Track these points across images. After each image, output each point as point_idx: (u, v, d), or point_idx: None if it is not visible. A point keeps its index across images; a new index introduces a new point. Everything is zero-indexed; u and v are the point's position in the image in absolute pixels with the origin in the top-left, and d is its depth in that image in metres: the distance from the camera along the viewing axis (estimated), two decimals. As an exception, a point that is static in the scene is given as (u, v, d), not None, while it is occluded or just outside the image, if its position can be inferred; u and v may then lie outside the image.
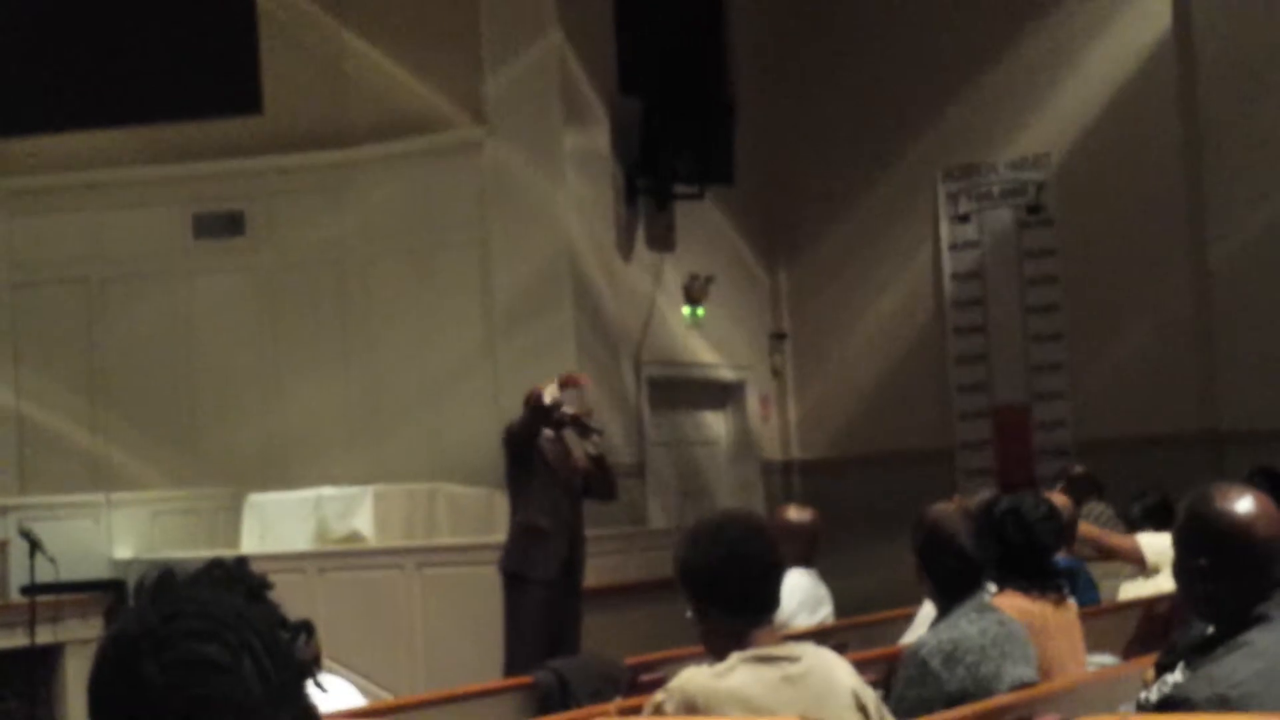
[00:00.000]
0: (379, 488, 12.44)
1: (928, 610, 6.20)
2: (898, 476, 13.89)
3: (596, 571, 10.32)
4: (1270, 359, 13.38)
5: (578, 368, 12.41)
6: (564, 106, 13.33)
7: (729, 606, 3.96)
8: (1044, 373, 14.47)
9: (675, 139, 13.80)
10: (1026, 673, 5.07)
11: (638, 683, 6.35)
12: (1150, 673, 3.94)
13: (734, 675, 3.87)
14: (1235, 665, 3.61)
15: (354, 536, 12.16)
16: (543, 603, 9.47)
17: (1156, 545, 8.44)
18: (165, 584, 1.71)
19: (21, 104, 14.10)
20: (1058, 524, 6.06)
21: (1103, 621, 7.12)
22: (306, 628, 1.73)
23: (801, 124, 15.40)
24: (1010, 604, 5.50)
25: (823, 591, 8.12)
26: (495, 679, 8.10)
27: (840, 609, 8.31)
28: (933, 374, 14.92)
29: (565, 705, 6.18)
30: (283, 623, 1.71)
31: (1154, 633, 7.26)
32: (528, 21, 13.36)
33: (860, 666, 4.26)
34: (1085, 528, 8.76)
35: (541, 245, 13.27)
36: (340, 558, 11.89)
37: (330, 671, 6.69)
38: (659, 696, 3.93)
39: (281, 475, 13.22)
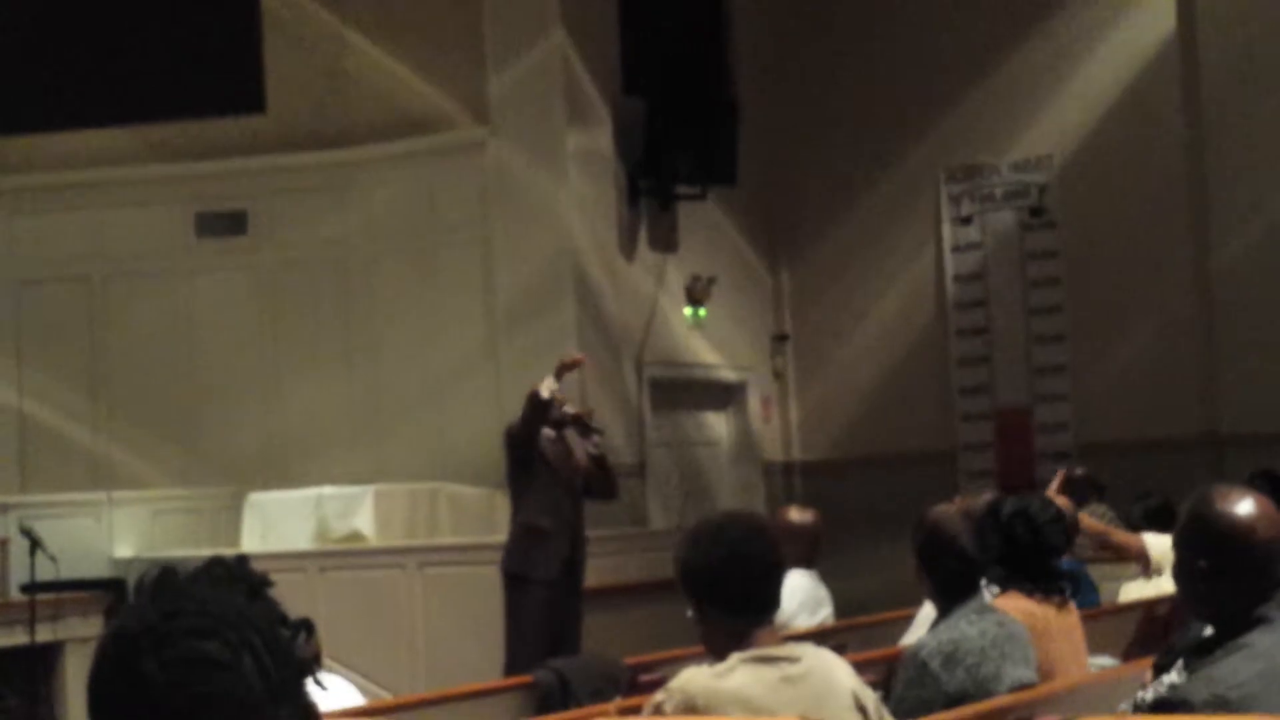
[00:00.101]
0: (380, 487, 12.45)
1: (928, 611, 6.21)
2: (899, 478, 13.89)
3: (597, 571, 10.32)
4: (1272, 362, 13.37)
5: (579, 368, 12.42)
6: (567, 107, 13.33)
7: (729, 607, 3.96)
8: (1046, 375, 14.47)
9: (678, 140, 13.81)
10: (1026, 674, 5.07)
11: (638, 683, 6.35)
12: (1150, 675, 3.94)
13: (734, 675, 3.87)
14: (1235, 667, 3.61)
15: (355, 536, 12.16)
16: (544, 603, 9.47)
17: (1161, 545, 8.42)
18: (166, 582, 1.71)
19: (24, 103, 14.10)
20: (1065, 526, 6.08)
21: (1103, 623, 7.12)
22: (306, 626, 1.73)
23: (804, 125, 15.40)
24: (1013, 605, 5.50)
25: (823, 592, 8.12)
26: (496, 679, 8.11)
27: (841, 610, 8.31)
28: (934, 376, 14.92)
29: (565, 705, 6.19)
30: (283, 621, 1.71)
31: (1154, 634, 7.26)
32: (531, 21, 13.36)
33: (860, 667, 4.26)
34: (1090, 522, 8.75)
35: (544, 245, 13.27)
36: (341, 557, 11.89)
37: (330, 671, 6.70)
38: (659, 696, 3.93)
39: (282, 474, 13.23)
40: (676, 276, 14.41)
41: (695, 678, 3.90)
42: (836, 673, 4.01)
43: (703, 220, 14.51)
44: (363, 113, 13.98)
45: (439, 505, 12.68)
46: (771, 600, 4.05)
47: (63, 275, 14.16)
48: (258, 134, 14.12)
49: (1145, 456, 12.97)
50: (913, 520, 5.43)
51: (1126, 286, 14.03)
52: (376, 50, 13.90)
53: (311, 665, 1.73)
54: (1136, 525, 9.43)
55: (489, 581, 10.04)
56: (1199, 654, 3.74)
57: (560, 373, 9.62)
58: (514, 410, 10.41)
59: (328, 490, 12.49)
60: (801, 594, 7.87)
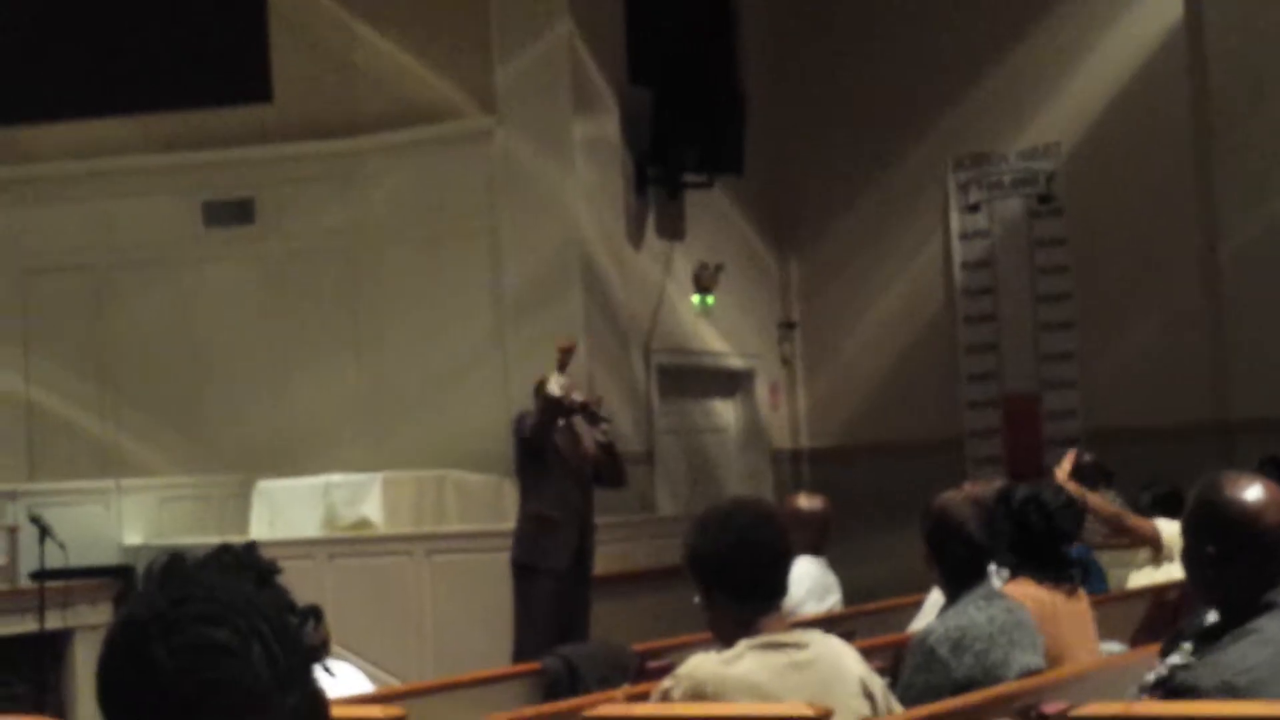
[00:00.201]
0: (388, 475, 12.45)
1: (936, 598, 6.21)
2: (906, 465, 13.88)
3: (605, 559, 10.33)
4: (1280, 348, 13.37)
5: (587, 356, 12.44)
6: (574, 96, 13.32)
7: (737, 593, 3.97)
8: (1054, 362, 14.46)
9: (685, 128, 13.79)
10: (1034, 660, 5.08)
11: (646, 669, 6.35)
12: (1158, 662, 3.94)
13: (742, 662, 3.88)
14: (1243, 652, 3.61)
15: (363, 523, 12.17)
16: (553, 593, 9.48)
17: (1172, 530, 8.40)
18: (174, 568, 1.71)
19: (30, 92, 14.10)
20: (1077, 512, 6.10)
21: (1111, 609, 7.12)
22: (315, 613, 1.74)
23: (811, 113, 15.38)
24: (1022, 592, 5.51)
25: (831, 579, 8.12)
26: (504, 665, 8.12)
27: (849, 597, 8.31)
28: (942, 363, 14.91)
29: (574, 691, 6.19)
30: (291, 607, 1.71)
31: (1163, 620, 7.26)
32: (538, 11, 13.35)
33: (868, 654, 4.27)
34: (1105, 506, 8.73)
35: (551, 234, 13.26)
36: (349, 544, 11.90)
37: (339, 658, 6.72)
38: (667, 683, 3.94)
39: (290, 462, 13.23)
40: (684, 264, 14.41)
41: (703, 664, 3.90)
42: (844, 659, 4.02)
43: (710, 208, 14.51)
44: (369, 102, 13.97)
45: (446, 493, 12.68)
46: (779, 587, 4.06)
47: (70, 265, 14.16)
48: (265, 123, 14.11)
49: (1154, 443, 12.96)
50: (920, 507, 5.43)
51: (1134, 273, 14.02)
52: (383, 39, 13.89)
53: (320, 652, 1.73)
54: (1144, 512, 9.41)
55: (497, 569, 10.05)
56: (1207, 640, 3.74)
57: (563, 365, 9.62)
58: (521, 399, 10.43)
59: (336, 478, 12.50)
60: (809, 581, 7.87)
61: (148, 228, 14.13)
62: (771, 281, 15.54)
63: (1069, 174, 14.36)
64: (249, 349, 13.99)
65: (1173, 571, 7.92)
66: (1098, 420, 13.95)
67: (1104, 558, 9.18)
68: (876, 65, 15.09)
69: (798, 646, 3.94)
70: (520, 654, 9.08)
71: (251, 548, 1.76)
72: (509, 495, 11.39)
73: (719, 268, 14.54)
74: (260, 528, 12.30)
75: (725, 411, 15.20)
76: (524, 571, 9.64)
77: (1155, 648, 4.31)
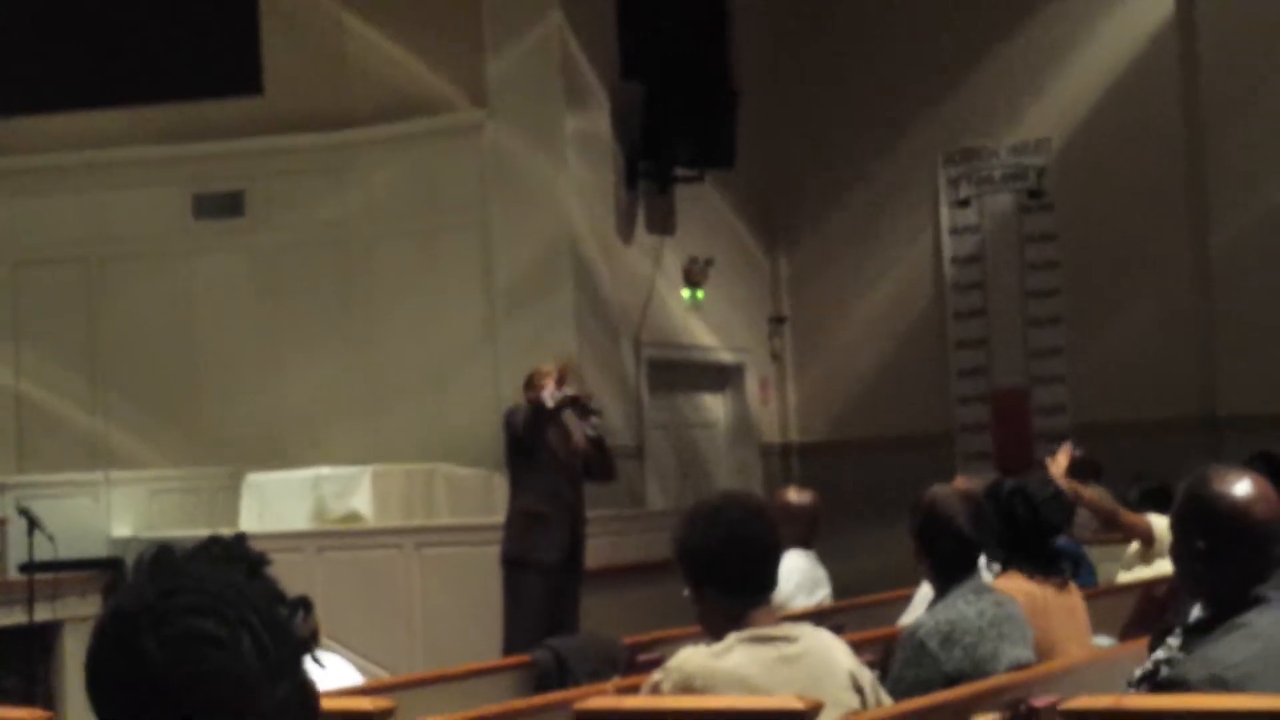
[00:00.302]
0: (378, 468, 12.45)
1: (925, 591, 6.22)
2: (896, 460, 13.89)
3: (595, 552, 10.33)
4: (1270, 344, 13.37)
5: (577, 350, 12.45)
6: (565, 89, 13.32)
7: (727, 587, 3.97)
8: (1043, 357, 14.47)
9: (676, 123, 13.79)
10: (1024, 654, 5.08)
11: (635, 662, 6.35)
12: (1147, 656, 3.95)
13: (731, 655, 3.88)
14: (1232, 647, 3.62)
15: (352, 516, 12.16)
16: (544, 588, 9.48)
17: (1164, 525, 8.41)
18: (163, 560, 1.71)
19: (22, 84, 14.08)
20: (1064, 504, 6.11)
21: (1100, 604, 7.12)
22: (304, 604, 1.73)
23: (802, 107, 15.38)
24: (1012, 586, 5.51)
25: (820, 573, 8.13)
26: (493, 658, 8.12)
27: (839, 591, 8.32)
28: (932, 358, 14.92)
29: (563, 684, 6.20)
30: (281, 598, 1.71)
31: (1152, 614, 7.27)
32: (529, 4, 13.35)
33: (857, 647, 4.28)
34: (1099, 500, 8.74)
35: (542, 228, 13.26)
36: (339, 537, 11.90)
37: (328, 650, 6.71)
38: (656, 676, 3.95)
39: (280, 455, 13.23)
40: (674, 259, 14.40)
41: (693, 657, 3.91)
42: (834, 653, 4.02)
43: (700, 203, 14.51)
44: (361, 94, 13.96)
45: (436, 486, 12.69)
46: (769, 581, 4.06)
47: (60, 257, 14.15)
48: (256, 115, 14.10)
49: (1143, 438, 12.98)
50: (910, 501, 5.43)
51: (1124, 269, 14.04)
52: (375, 32, 13.88)
53: (309, 643, 1.73)
54: (1132, 507, 9.42)
55: (486, 562, 10.05)
56: (1197, 634, 3.74)
57: (560, 383, 9.57)
58: (513, 393, 10.42)
59: (325, 471, 12.50)
60: (799, 574, 7.88)
61: (138, 220, 14.12)
62: (762, 276, 15.55)
63: (1059, 169, 14.37)
64: (239, 342, 13.98)
65: (1162, 566, 7.92)
66: (1087, 415, 13.96)
67: (1093, 552, 9.18)
68: (868, 60, 15.09)
69: (787, 640, 3.94)
70: (510, 648, 9.08)
71: (241, 539, 1.76)
72: (499, 489, 11.39)
73: (709, 262, 14.54)
74: (250, 520, 12.29)
75: (715, 406, 15.21)
76: (514, 566, 9.63)
77: (1144, 642, 4.32)
